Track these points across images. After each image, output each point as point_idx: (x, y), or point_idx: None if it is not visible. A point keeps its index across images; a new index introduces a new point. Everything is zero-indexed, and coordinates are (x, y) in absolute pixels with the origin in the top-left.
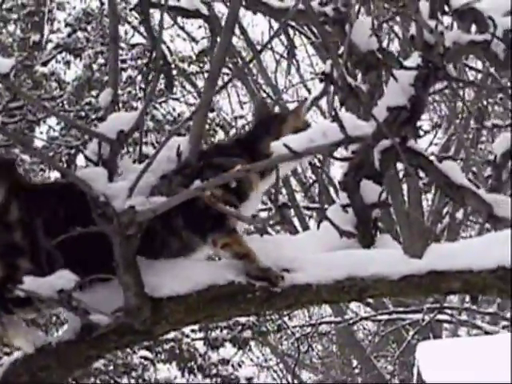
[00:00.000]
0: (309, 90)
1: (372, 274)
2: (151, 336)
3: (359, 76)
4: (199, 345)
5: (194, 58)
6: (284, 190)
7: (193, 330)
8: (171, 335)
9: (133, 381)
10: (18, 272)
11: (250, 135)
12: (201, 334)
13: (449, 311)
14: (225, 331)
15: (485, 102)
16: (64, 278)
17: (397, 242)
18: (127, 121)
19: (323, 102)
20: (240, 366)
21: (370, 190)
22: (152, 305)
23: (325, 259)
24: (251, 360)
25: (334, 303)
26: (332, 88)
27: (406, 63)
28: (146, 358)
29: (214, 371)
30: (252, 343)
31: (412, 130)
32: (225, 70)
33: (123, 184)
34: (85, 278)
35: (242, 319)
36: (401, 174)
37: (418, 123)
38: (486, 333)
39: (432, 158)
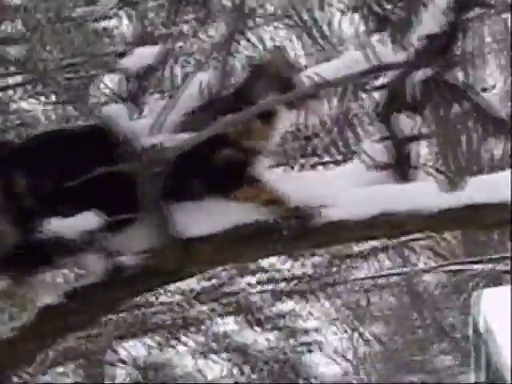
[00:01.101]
0: None
1: (407, 208)
2: (179, 277)
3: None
4: (266, 297)
5: None
6: None
7: (259, 282)
8: (236, 287)
9: (200, 334)
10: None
11: None
12: (268, 286)
13: None
14: (292, 283)
15: None
16: (87, 219)
17: (434, 176)
18: (152, 54)
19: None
20: (307, 318)
21: (407, 122)
22: (180, 245)
23: (359, 194)
24: (317, 312)
25: (366, 240)
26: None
27: None
28: (212, 311)
29: (282, 323)
30: (319, 295)
31: (448, 59)
32: None
33: (147, 121)
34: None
35: (310, 270)
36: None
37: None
38: None
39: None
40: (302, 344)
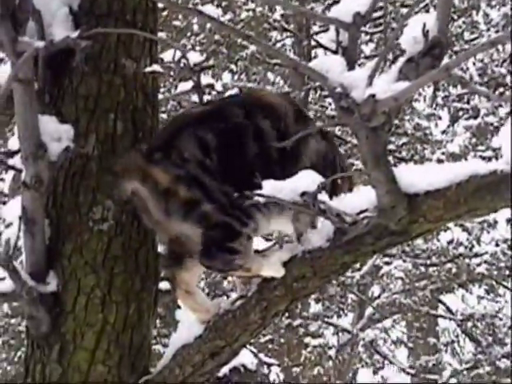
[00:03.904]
0: None
1: None
2: (408, 236)
3: None
4: None
5: None
6: None
7: None
8: None
9: None
10: None
11: None
12: None
13: None
14: None
15: None
16: (306, 180)
17: None
18: (363, 1)
19: None
20: None
21: None
22: (407, 202)
23: None
24: None
25: None
26: None
27: None
28: None
29: None
30: None
31: None
32: None
33: (363, 72)
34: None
35: None
36: None
37: None
38: None
39: None
40: None
